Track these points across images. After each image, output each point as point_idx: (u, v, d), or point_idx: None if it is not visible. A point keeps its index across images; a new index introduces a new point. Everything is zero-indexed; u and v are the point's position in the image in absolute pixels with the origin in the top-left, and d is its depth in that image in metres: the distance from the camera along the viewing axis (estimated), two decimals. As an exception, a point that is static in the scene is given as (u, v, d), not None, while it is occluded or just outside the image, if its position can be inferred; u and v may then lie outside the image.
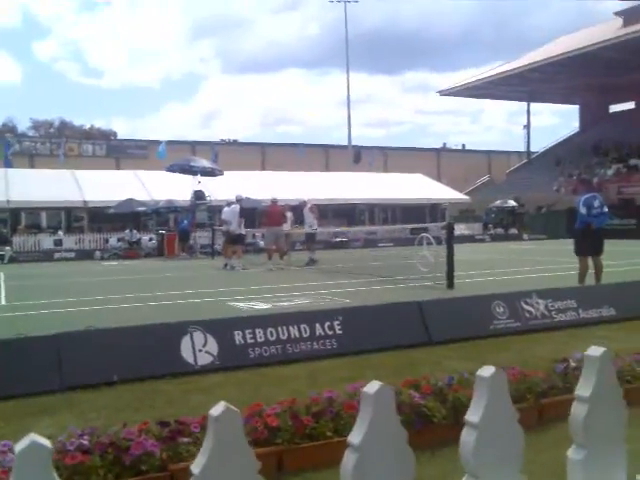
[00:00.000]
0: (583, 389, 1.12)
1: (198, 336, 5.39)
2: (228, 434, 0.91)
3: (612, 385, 1.15)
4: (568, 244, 11.84)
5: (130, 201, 27.54)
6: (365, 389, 1.01)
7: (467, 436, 1.10)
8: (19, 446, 0.78)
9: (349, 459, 0.99)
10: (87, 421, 3.86)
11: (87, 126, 68.84)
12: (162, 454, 3.03)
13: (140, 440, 3.03)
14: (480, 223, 34.69)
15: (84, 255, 24.83)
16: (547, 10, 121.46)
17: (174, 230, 25.36)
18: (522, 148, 56.49)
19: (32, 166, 41.08)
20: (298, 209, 18.34)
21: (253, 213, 24.77)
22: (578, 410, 1.11)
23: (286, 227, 17.54)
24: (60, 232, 28.99)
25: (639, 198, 32.65)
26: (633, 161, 37.65)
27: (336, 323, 5.92)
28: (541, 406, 3.81)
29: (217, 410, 0.90)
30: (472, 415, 1.09)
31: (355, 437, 0.99)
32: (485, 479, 1.08)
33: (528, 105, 53.09)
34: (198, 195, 24.77)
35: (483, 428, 1.07)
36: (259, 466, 0.94)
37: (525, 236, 31.13)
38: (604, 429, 1.12)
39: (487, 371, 1.11)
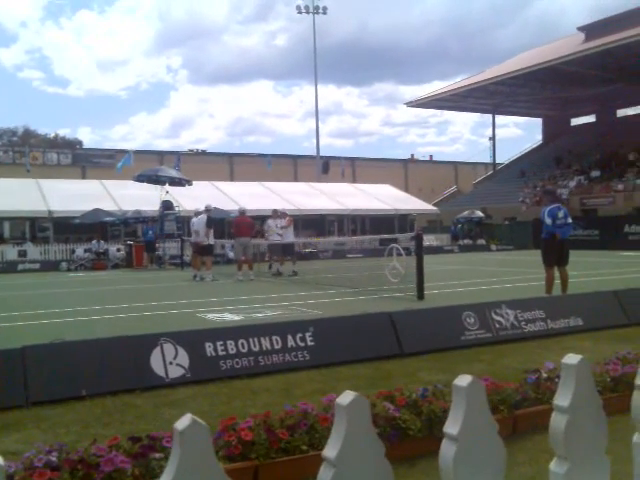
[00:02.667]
0: (562, 398, 1.10)
1: (169, 348, 5.31)
2: (195, 449, 0.86)
3: (591, 394, 1.14)
4: (535, 255, 12.04)
5: (97, 211, 27.11)
6: (339, 400, 0.98)
7: (446, 449, 1.07)
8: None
9: (325, 475, 0.95)
10: (55, 437, 3.76)
11: (52, 135, 67.73)
12: (134, 470, 2.96)
13: (110, 456, 2.96)
14: (448, 234, 35.05)
15: (50, 266, 24.31)
16: (512, 25, 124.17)
17: (142, 240, 25.03)
18: (488, 159, 57.45)
19: (-5, 175, 40.16)
20: (271, 219, 18.25)
21: (222, 223, 24.64)
22: (558, 420, 1.10)
23: (289, 238, 17.40)
24: (29, 242, 28.38)
25: (601, 209, 33.41)
26: (594, 173, 38.55)
27: (308, 334, 5.89)
28: (515, 418, 3.84)
29: (183, 423, 0.85)
30: (450, 427, 1.07)
31: (330, 451, 0.95)
32: None
33: (493, 117, 54.06)
34: (166, 205, 24.53)
35: (462, 440, 1.05)
36: None
37: (493, 247, 31.54)
38: (586, 440, 1.11)
39: (464, 380, 1.08)
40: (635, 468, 1.24)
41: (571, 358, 1.12)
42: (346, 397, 0.98)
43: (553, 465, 1.19)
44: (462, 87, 46.59)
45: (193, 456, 0.85)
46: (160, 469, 3.02)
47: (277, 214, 18.10)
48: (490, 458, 1.10)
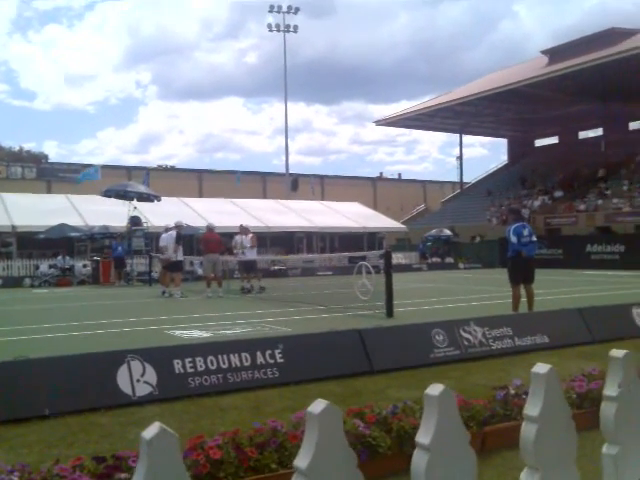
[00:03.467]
0: (531, 408, 1.11)
1: (136, 365, 5.22)
2: (163, 459, 0.81)
3: (560, 403, 1.15)
4: (502, 273, 12.20)
5: (62, 226, 26.63)
6: (310, 409, 0.96)
7: (418, 458, 1.07)
8: None
9: None
10: (17, 457, 3.65)
11: (16, 148, 66.57)
12: (99, 492, 2.89)
13: (74, 477, 2.89)
14: (417, 252, 35.33)
15: (12, 282, 23.74)
16: (478, 48, 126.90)
17: (109, 256, 24.64)
18: (455, 178, 58.27)
19: (-44, 188, 39.22)
20: (238, 235, 18.09)
21: (191, 240, 24.43)
22: (528, 430, 1.11)
23: (251, 254, 17.16)
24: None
25: (565, 229, 34.10)
26: (557, 193, 39.39)
27: (277, 352, 5.86)
28: (484, 434, 3.87)
29: (150, 432, 0.81)
30: (422, 436, 1.07)
31: (302, 461, 0.94)
32: None
33: (460, 137, 54.96)
34: (134, 221, 24.25)
35: (434, 449, 1.05)
36: None
37: (461, 265, 31.87)
38: (556, 449, 1.12)
39: (436, 390, 1.09)
40: (604, 477, 1.26)
41: (540, 367, 1.14)
42: (318, 406, 0.97)
43: (524, 475, 1.20)
44: (429, 107, 47.31)
45: (161, 466, 0.81)
46: (126, 489, 2.96)
47: (243, 230, 17.95)
48: (461, 467, 1.10)
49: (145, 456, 0.83)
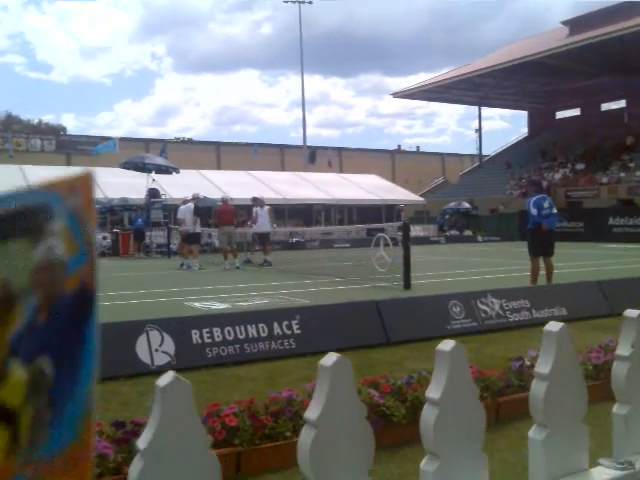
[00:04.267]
0: (542, 366, 1.10)
1: (154, 335, 5.28)
2: (177, 406, 0.84)
3: (571, 361, 1.14)
4: (521, 246, 12.11)
5: (82, 199, 26.87)
6: (322, 361, 0.97)
7: (427, 413, 1.07)
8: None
9: (307, 436, 0.94)
10: (38, 424, 3.73)
11: (35, 121, 66.98)
12: (116, 457, 2.95)
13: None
14: (435, 225, 35.17)
15: (33, 254, 24.11)
16: (498, 18, 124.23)
17: (129, 229, 24.84)
18: (474, 151, 57.67)
19: (-24, 161, 39.62)
20: (253, 207, 18.08)
21: (209, 212, 24.54)
22: (538, 388, 1.10)
23: (265, 227, 17.17)
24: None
25: (586, 201, 33.66)
26: (579, 166, 38.81)
27: (294, 322, 5.89)
28: (498, 405, 3.87)
29: (164, 380, 0.83)
30: (432, 391, 1.07)
31: (312, 412, 0.94)
32: (446, 457, 1.06)
33: (479, 109, 54.15)
34: (153, 193, 24.36)
35: (444, 404, 1.05)
36: (210, 441, 0.88)
37: (479, 238, 31.68)
38: (565, 407, 1.11)
39: (447, 345, 1.09)
40: (614, 436, 1.25)
41: (553, 325, 1.12)
42: (330, 358, 0.97)
43: (532, 432, 1.19)
44: (448, 79, 46.62)
45: (176, 413, 0.82)
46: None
47: (259, 202, 17.90)
48: (471, 422, 1.10)
49: (159, 403, 0.84)
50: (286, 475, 3.22)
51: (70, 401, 0.46)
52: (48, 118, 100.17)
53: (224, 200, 17.43)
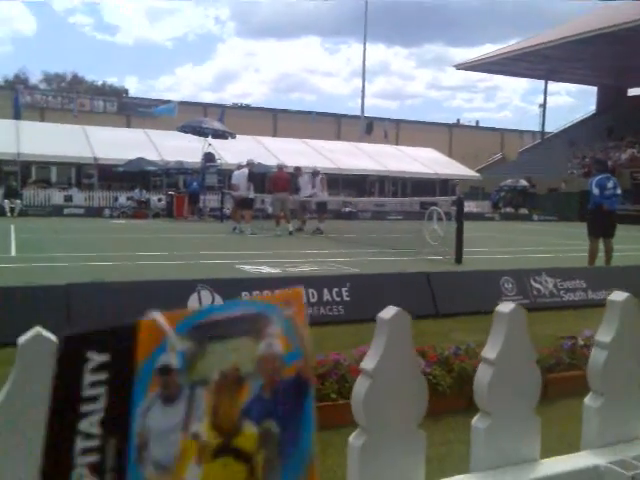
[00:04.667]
0: (604, 335, 1.08)
1: (205, 295, 5.40)
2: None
3: (633, 331, 1.11)
4: (579, 227, 11.76)
5: (140, 160, 27.45)
6: (381, 314, 0.98)
7: (482, 372, 1.06)
8: (23, 338, 0.76)
9: (361, 385, 0.96)
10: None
11: (99, 82, 68.45)
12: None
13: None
14: (489, 202, 34.47)
15: (93, 212, 24.87)
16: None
17: (184, 191, 25.30)
18: (536, 127, 55.92)
19: (42, 119, 40.89)
20: (310, 176, 18.20)
21: (263, 178, 24.71)
22: (597, 356, 1.08)
23: (312, 192, 17.49)
24: (75, 188, 29.03)
25: (652, 184, 32.32)
26: (649, 146, 37.21)
27: (344, 290, 5.92)
28: (547, 381, 3.80)
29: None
30: (488, 351, 1.06)
31: (368, 363, 0.95)
32: (498, 416, 1.06)
33: (545, 83, 52.33)
34: (208, 157, 24.65)
35: (499, 364, 1.04)
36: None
37: (535, 217, 30.93)
38: (622, 377, 1.08)
39: (507, 307, 1.07)
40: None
41: (617, 295, 1.09)
42: (389, 311, 0.97)
43: (588, 400, 1.18)
44: (515, 50, 45.06)
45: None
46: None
47: (300, 171, 18.23)
48: (526, 384, 1.09)
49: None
50: (329, 434, 3.27)
51: (296, 452, 0.61)
52: (111, 80, 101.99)
53: (280, 167, 17.56)
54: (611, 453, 1.08)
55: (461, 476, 1.05)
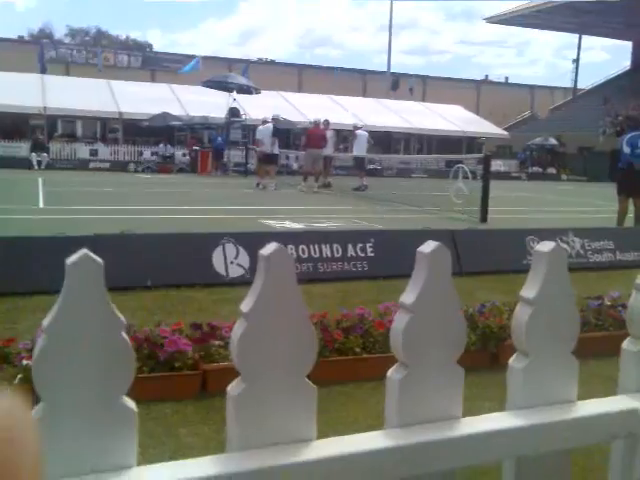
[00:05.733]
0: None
1: (230, 248, 5.43)
2: (280, 273, 0.86)
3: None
4: (609, 187, 11.52)
5: (165, 115, 27.39)
6: (421, 248, 0.95)
7: (520, 312, 1.04)
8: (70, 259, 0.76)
9: (401, 320, 0.94)
10: (122, 320, 3.95)
11: (122, 37, 67.99)
12: (194, 354, 3.10)
13: (174, 338, 3.10)
14: (516, 161, 33.89)
15: (118, 166, 25.04)
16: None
17: (208, 147, 25.28)
18: (568, 84, 54.37)
19: (67, 73, 40.86)
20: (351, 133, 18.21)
21: (288, 134, 24.54)
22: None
23: (327, 150, 17.33)
24: (100, 142, 29.19)
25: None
26: (685, 105, 36.02)
27: (368, 245, 5.92)
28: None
29: (269, 249, 0.85)
30: (526, 291, 1.04)
31: (408, 297, 0.93)
32: (535, 356, 1.04)
33: (579, 38, 50.65)
34: (233, 112, 24.50)
35: (538, 304, 1.02)
36: (307, 309, 0.90)
37: (564, 177, 30.39)
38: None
39: (546, 246, 1.04)
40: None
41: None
42: (428, 246, 0.95)
43: (626, 343, 1.16)
44: (549, 2, 43.53)
45: (278, 280, 0.84)
46: (219, 355, 3.15)
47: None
48: (564, 325, 1.07)
49: (263, 270, 0.86)
50: (352, 387, 3.31)
51: None
52: (135, 34, 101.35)
53: (315, 123, 17.45)
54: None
55: (497, 413, 1.04)
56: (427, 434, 0.95)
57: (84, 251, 0.75)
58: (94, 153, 26.68)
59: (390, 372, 0.95)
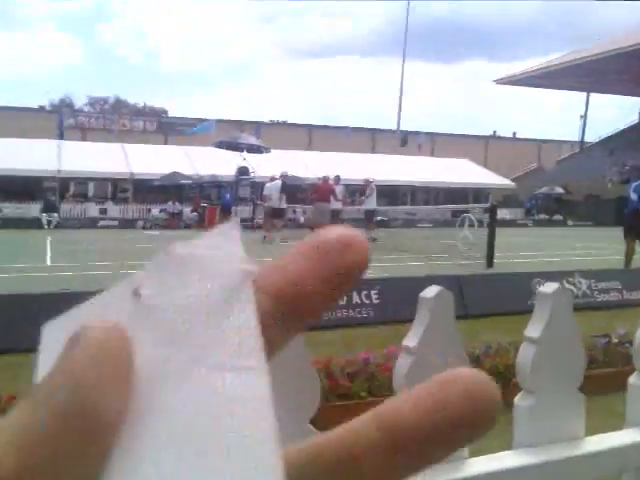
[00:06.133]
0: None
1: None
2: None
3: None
4: (615, 231, 11.53)
5: (175, 174, 27.90)
6: (423, 294, 0.99)
7: (524, 351, 1.06)
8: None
9: (403, 363, 0.96)
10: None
11: (140, 104, 70.09)
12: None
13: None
14: (522, 209, 33.97)
15: (127, 224, 25.31)
16: (613, 7, 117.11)
17: (216, 203, 25.64)
18: (576, 138, 54.87)
19: (84, 139, 41.89)
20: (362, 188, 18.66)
21: (296, 190, 24.86)
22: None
23: (335, 204, 17.63)
24: (110, 201, 29.65)
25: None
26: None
27: (373, 292, 5.90)
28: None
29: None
30: (531, 330, 1.05)
31: (410, 340, 0.96)
32: (541, 394, 1.05)
33: (588, 95, 51.28)
34: (242, 171, 24.93)
35: (543, 342, 1.04)
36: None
37: (570, 222, 30.35)
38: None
39: (550, 287, 1.06)
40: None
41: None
42: (431, 290, 0.99)
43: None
44: (557, 64, 44.19)
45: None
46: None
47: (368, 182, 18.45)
48: (569, 362, 1.07)
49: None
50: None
51: None
52: (152, 101, 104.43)
53: (325, 179, 17.87)
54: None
55: (505, 452, 1.04)
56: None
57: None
58: (103, 212, 27.09)
59: None
